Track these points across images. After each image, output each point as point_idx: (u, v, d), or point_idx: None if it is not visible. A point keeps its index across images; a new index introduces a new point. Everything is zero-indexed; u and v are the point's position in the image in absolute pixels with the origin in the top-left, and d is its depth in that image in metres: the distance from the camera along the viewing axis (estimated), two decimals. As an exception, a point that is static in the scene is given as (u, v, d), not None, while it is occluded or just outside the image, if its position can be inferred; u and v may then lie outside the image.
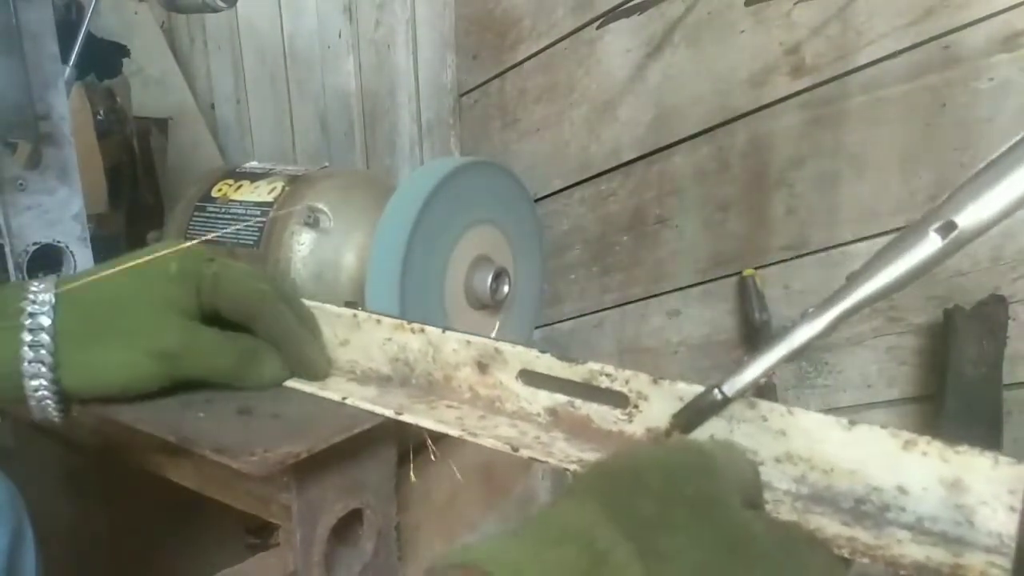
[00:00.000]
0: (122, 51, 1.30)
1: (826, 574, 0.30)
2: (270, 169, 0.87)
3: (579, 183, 1.29)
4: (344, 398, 0.51)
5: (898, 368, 1.11)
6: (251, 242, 0.80)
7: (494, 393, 0.48)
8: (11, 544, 0.43)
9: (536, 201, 1.30)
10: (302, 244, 0.78)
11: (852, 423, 0.37)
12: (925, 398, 1.10)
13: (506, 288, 0.80)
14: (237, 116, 1.67)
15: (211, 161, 1.52)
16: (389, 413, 0.49)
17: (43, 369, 0.46)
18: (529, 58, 1.28)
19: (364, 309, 0.56)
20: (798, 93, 1.09)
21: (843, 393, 1.16)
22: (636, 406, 0.43)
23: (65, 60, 0.83)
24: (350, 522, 0.55)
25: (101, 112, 1.11)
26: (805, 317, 0.36)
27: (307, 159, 1.57)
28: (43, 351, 0.46)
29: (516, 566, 0.24)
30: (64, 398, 0.48)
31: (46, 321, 0.46)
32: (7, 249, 0.69)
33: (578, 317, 1.35)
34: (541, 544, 0.25)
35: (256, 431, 0.48)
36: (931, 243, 0.34)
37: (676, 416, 0.40)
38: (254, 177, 0.86)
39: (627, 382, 0.43)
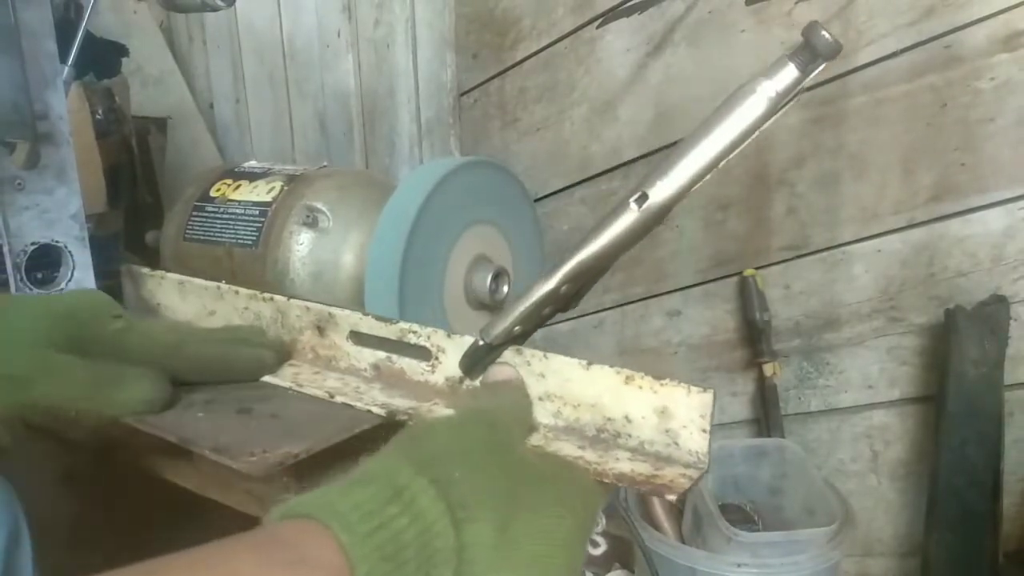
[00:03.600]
0: (121, 50, 1.30)
1: (585, 492, 0.37)
2: (269, 169, 0.86)
3: (579, 183, 1.29)
4: None
5: (899, 368, 1.11)
6: (249, 242, 0.80)
7: (330, 353, 0.55)
8: (7, 545, 0.42)
9: (536, 201, 1.30)
10: (301, 244, 0.78)
11: (590, 364, 0.43)
12: (926, 398, 1.10)
13: (506, 288, 0.80)
14: (236, 115, 1.67)
15: (210, 160, 1.52)
16: None
17: None
18: (529, 57, 1.28)
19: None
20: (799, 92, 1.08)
21: (844, 393, 1.16)
22: (437, 358, 0.50)
23: (64, 59, 0.83)
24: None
25: (100, 112, 1.10)
26: (540, 277, 0.43)
27: (306, 158, 1.57)
28: None
29: (331, 505, 0.29)
30: None
31: None
32: (5, 249, 0.68)
33: (578, 317, 1.34)
34: (351, 486, 0.31)
35: (255, 431, 0.48)
36: (631, 212, 0.40)
37: (460, 364, 0.47)
38: (253, 177, 0.85)
39: (429, 338, 0.50)
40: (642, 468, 0.40)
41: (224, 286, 0.61)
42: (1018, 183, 0.99)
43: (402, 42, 1.37)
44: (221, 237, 0.82)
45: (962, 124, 1.00)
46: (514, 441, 0.37)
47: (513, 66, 1.29)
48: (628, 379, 0.42)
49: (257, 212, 0.80)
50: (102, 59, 1.19)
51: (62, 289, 0.70)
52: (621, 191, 1.25)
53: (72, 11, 1.05)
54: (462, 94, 1.36)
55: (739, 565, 0.95)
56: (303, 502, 0.30)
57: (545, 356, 0.45)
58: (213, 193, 0.85)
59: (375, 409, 0.48)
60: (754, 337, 1.17)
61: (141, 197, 1.19)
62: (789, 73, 0.39)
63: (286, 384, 0.52)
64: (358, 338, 0.54)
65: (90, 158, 0.99)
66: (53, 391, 0.45)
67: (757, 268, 1.16)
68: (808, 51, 0.37)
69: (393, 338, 0.51)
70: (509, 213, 0.84)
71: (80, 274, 0.71)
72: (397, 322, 0.51)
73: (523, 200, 0.87)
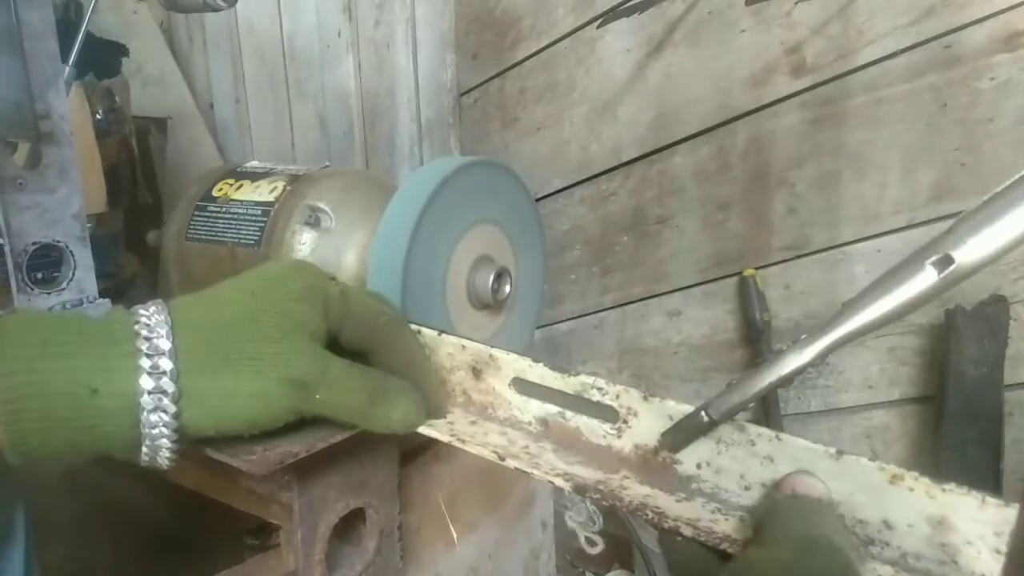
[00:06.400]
0: (121, 50, 1.30)
1: None
2: (271, 169, 0.86)
3: (579, 183, 1.29)
4: None
5: (899, 368, 1.11)
6: (252, 242, 0.80)
7: (487, 399, 0.48)
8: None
9: (536, 201, 1.30)
10: (303, 244, 0.78)
11: (840, 453, 0.36)
12: (926, 398, 1.10)
13: (508, 288, 0.80)
14: (236, 116, 1.67)
15: (210, 161, 1.52)
16: None
17: (165, 401, 0.39)
18: (529, 57, 1.28)
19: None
20: (799, 93, 1.09)
21: (844, 393, 1.16)
22: (626, 421, 0.43)
23: (64, 59, 0.83)
24: (352, 521, 0.55)
25: (100, 112, 1.10)
26: (797, 344, 0.36)
27: (306, 159, 1.57)
28: (165, 378, 0.39)
29: None
30: (181, 436, 0.41)
31: (165, 344, 0.39)
32: (6, 248, 0.68)
33: (578, 317, 1.35)
34: None
35: (257, 430, 0.48)
36: (927, 277, 0.33)
37: (664, 435, 0.41)
38: (255, 177, 0.85)
39: (618, 397, 0.43)
40: None
41: None
42: (1018, 183, 0.99)
43: (402, 42, 1.38)
44: (224, 237, 0.82)
45: (962, 124, 1.01)
46: None
47: (513, 66, 1.30)
48: (895, 478, 0.35)
49: (259, 212, 0.80)
50: (102, 59, 1.19)
51: (63, 290, 0.70)
52: (621, 191, 1.25)
53: (72, 11, 1.05)
54: (462, 94, 1.36)
55: (740, 565, 0.95)
56: None
57: (778, 437, 0.38)
58: (215, 193, 0.85)
59: (558, 481, 0.41)
60: (754, 337, 1.17)
61: (141, 197, 1.19)
62: None
63: (444, 438, 0.46)
64: (522, 387, 0.47)
65: (90, 158, 1.00)
66: (333, 402, 0.43)
67: (757, 268, 1.16)
68: None
69: (570, 392, 0.44)
70: (512, 213, 0.84)
71: (81, 274, 0.71)
72: (577, 374, 0.44)
73: (525, 200, 0.87)
